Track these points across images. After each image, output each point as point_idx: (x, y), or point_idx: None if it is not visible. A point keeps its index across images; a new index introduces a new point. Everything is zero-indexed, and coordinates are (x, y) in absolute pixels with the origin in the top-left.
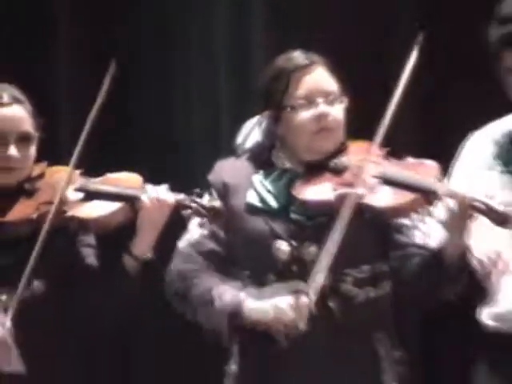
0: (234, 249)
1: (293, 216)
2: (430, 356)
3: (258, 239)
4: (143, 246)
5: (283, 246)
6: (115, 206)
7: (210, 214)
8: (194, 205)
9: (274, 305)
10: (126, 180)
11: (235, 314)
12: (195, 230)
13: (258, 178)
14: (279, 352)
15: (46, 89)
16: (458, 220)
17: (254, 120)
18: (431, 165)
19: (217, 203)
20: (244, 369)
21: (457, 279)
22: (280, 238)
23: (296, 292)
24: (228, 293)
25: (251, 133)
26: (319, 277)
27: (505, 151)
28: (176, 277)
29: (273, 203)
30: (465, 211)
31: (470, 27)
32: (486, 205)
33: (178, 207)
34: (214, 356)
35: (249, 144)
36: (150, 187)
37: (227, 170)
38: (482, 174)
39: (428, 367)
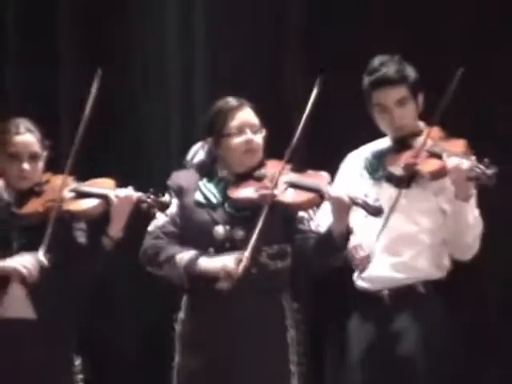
0: (186, 232)
1: (227, 209)
2: (319, 308)
3: (203, 225)
4: (115, 229)
5: (220, 230)
6: (96, 201)
7: (160, 206)
8: (149, 200)
9: (222, 259)
10: (103, 183)
11: (190, 267)
12: (160, 218)
13: (202, 183)
14: (218, 304)
15: (53, 119)
16: (341, 211)
17: (199, 144)
18: (324, 175)
19: (164, 199)
20: (190, 316)
21: (341, 251)
22: (218, 224)
23: (237, 256)
24: (187, 253)
25: (197, 153)
26: (250, 245)
27: (371, 165)
28: (147, 248)
29: (213, 200)
30: (348, 205)
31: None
32: (364, 201)
33: (138, 202)
34: (167, 306)
35: (195, 160)
36: (119, 189)
37: (181, 177)
38: (355, 180)
39: (316, 316)
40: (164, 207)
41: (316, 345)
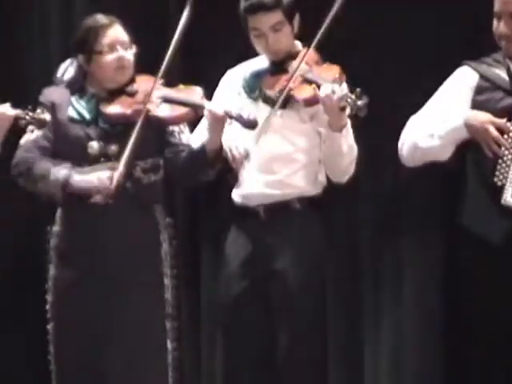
0: (60, 147)
1: (101, 125)
2: (195, 221)
3: (77, 140)
4: None
5: (94, 145)
6: None
7: (37, 122)
8: (27, 117)
9: (96, 175)
10: None
11: (66, 184)
12: (34, 132)
13: (75, 99)
14: (92, 217)
15: None
16: (216, 124)
17: (68, 61)
18: (197, 88)
19: (42, 116)
20: (65, 228)
21: (213, 165)
22: (92, 139)
23: (110, 167)
24: (61, 169)
25: (67, 69)
26: (124, 160)
27: (249, 83)
28: (20, 161)
29: (87, 116)
30: (221, 118)
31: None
32: (238, 114)
33: (16, 119)
34: (43, 220)
35: (66, 77)
36: None
37: (53, 93)
38: (233, 97)
39: (193, 230)
40: (42, 124)
41: (193, 257)
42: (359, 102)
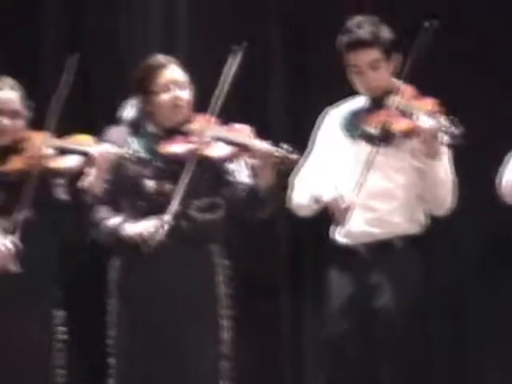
0: (117, 186)
1: (157, 164)
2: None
3: (133, 179)
4: (97, 184)
5: (150, 184)
6: (77, 158)
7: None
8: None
9: (144, 224)
10: (83, 139)
11: (117, 231)
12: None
13: (132, 139)
14: (149, 256)
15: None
16: (266, 164)
17: (131, 101)
18: (246, 127)
19: (139, 155)
20: (123, 265)
21: (267, 204)
22: (148, 178)
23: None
24: (114, 219)
25: (130, 108)
26: (173, 207)
27: (348, 123)
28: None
29: (143, 155)
30: (269, 159)
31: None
32: (284, 154)
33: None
34: (103, 253)
35: (128, 116)
36: (99, 145)
37: (113, 133)
38: (336, 136)
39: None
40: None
41: (296, 296)
42: (455, 131)
